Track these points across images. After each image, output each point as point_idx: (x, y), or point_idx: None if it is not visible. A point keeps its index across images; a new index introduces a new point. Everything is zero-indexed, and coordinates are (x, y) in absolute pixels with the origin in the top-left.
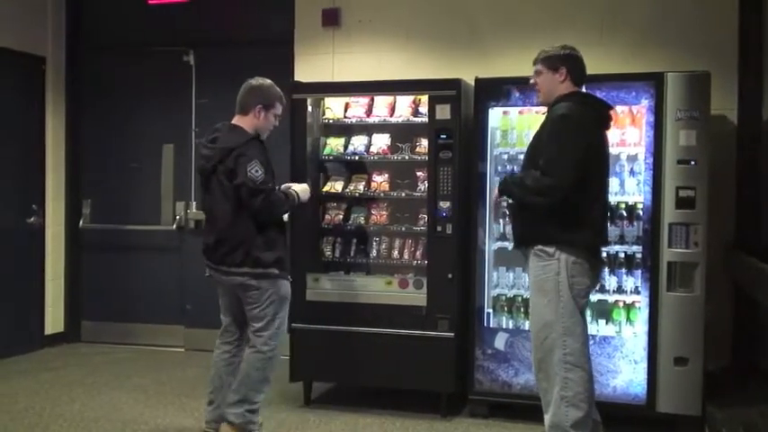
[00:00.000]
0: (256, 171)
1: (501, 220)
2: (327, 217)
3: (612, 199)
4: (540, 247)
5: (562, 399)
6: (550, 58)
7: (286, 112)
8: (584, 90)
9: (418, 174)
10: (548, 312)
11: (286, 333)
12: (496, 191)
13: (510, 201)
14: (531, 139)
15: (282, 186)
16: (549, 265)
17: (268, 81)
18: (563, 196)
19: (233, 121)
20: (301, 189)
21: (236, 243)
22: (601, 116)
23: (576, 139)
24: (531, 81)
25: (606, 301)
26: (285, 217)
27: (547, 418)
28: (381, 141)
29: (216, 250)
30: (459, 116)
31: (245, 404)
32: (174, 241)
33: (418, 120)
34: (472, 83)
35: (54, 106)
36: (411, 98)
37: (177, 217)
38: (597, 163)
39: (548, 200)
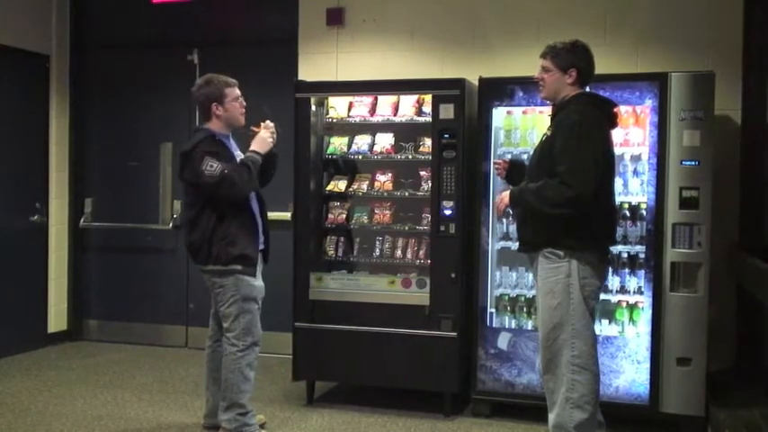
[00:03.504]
0: (211, 166)
1: (504, 220)
2: (330, 216)
3: (616, 199)
4: (549, 249)
5: (567, 400)
6: (560, 56)
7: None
8: (588, 90)
9: (422, 173)
10: (557, 314)
11: (260, 331)
12: (501, 199)
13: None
14: (535, 140)
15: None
16: (559, 268)
17: (203, 80)
18: (585, 207)
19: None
20: (257, 143)
21: (201, 242)
22: (609, 117)
23: (594, 147)
24: (537, 76)
25: (609, 301)
26: (255, 207)
27: (551, 417)
28: (385, 141)
29: (189, 250)
30: (463, 116)
31: (235, 408)
32: (175, 240)
33: (422, 119)
34: (476, 82)
35: (57, 104)
36: (415, 98)
37: (174, 216)
38: (607, 165)
39: (570, 211)
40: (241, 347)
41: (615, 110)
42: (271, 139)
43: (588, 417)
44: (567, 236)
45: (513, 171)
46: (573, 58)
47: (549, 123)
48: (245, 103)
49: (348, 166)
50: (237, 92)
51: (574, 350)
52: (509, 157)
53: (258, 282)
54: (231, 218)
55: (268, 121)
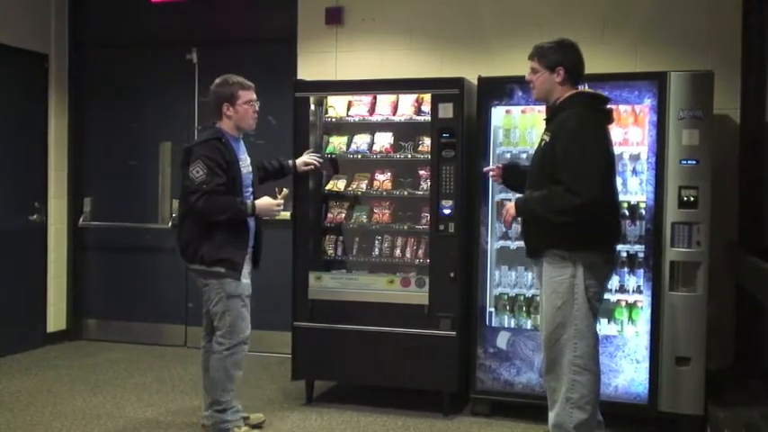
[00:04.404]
0: (197, 172)
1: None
2: (330, 215)
3: None
4: (554, 251)
5: (568, 400)
6: (546, 56)
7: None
8: (582, 88)
9: (421, 172)
10: (561, 314)
11: (245, 331)
12: (507, 210)
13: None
14: (534, 139)
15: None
16: (564, 269)
17: (220, 79)
18: (595, 212)
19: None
20: (262, 204)
21: (187, 241)
22: (606, 114)
23: (597, 150)
24: (527, 78)
25: (608, 300)
26: (252, 217)
27: (551, 416)
28: (384, 140)
29: (178, 245)
30: (462, 115)
31: (215, 405)
32: (174, 240)
33: (421, 118)
34: (475, 81)
35: (56, 104)
36: (414, 97)
37: (173, 215)
38: (608, 165)
39: (578, 218)
40: (227, 346)
41: (609, 105)
42: (277, 211)
43: (588, 417)
44: (572, 237)
45: (510, 175)
46: (559, 56)
47: (545, 126)
48: (257, 108)
49: (347, 166)
50: (252, 95)
51: (576, 351)
52: (507, 157)
53: (244, 280)
54: (226, 222)
55: (285, 191)
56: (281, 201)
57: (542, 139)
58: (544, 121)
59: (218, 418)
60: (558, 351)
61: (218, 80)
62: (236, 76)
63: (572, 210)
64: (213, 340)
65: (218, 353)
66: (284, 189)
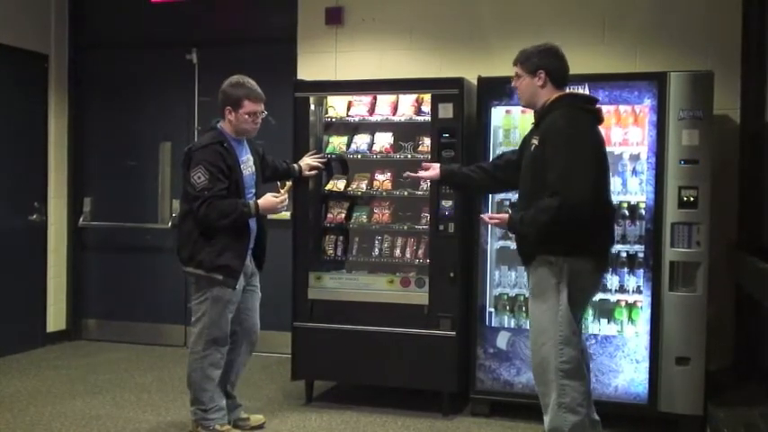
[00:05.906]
0: (199, 177)
1: None
2: (330, 215)
3: (615, 198)
4: (543, 255)
5: (560, 405)
6: (528, 60)
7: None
8: (568, 91)
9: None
10: (545, 319)
11: (218, 334)
12: (501, 219)
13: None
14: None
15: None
16: (550, 274)
17: (234, 79)
18: (584, 215)
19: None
20: (265, 203)
21: (183, 242)
22: (593, 114)
23: (584, 151)
24: (513, 84)
25: (608, 300)
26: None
27: (546, 420)
28: (384, 140)
29: (176, 246)
30: (462, 115)
31: (196, 403)
32: (173, 240)
33: (421, 119)
34: (475, 82)
35: (56, 104)
36: (414, 97)
37: (173, 215)
38: (600, 166)
39: (567, 220)
40: (203, 347)
41: (597, 105)
42: (281, 208)
43: (581, 418)
44: (560, 243)
45: (451, 178)
46: (540, 60)
47: (533, 130)
48: (259, 121)
49: (347, 166)
50: (256, 108)
51: (562, 356)
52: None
53: (238, 287)
54: (227, 227)
55: (288, 184)
56: (285, 196)
57: (531, 144)
58: (532, 125)
59: (201, 416)
60: (545, 356)
61: (232, 79)
62: (251, 81)
63: (562, 218)
64: (189, 341)
65: (194, 353)
66: (287, 183)
